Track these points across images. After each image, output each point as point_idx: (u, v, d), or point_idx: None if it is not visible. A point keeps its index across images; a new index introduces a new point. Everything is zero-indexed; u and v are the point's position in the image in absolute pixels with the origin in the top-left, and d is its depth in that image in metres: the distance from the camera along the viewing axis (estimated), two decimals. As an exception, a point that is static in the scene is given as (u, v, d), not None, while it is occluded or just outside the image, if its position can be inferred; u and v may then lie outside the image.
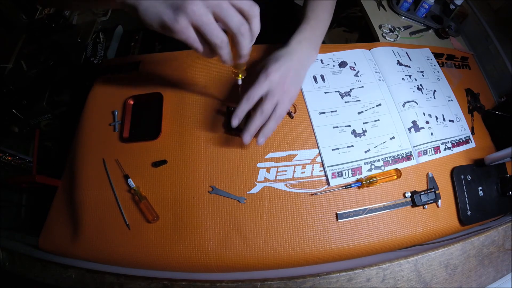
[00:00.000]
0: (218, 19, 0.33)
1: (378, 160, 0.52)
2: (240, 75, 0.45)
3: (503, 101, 0.67)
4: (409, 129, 0.56)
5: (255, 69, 0.41)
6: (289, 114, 0.55)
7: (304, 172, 0.51)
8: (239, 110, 0.44)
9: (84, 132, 0.56)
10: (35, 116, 0.80)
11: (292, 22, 0.81)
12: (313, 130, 0.54)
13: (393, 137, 0.54)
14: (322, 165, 0.51)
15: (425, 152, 0.54)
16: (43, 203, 0.56)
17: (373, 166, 0.52)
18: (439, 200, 0.51)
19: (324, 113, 0.55)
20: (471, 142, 0.59)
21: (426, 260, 0.41)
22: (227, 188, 0.50)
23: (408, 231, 0.49)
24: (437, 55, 0.68)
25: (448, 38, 0.74)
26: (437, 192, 0.51)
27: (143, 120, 0.56)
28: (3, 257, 0.43)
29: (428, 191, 0.51)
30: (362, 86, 0.58)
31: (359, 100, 0.57)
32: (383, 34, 0.71)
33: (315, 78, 0.58)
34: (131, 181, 0.50)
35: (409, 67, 0.63)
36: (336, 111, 0.55)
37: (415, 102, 0.58)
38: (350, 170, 0.51)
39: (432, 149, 0.55)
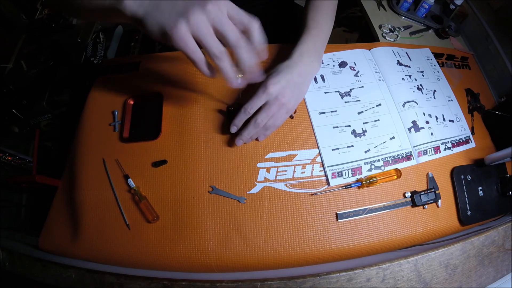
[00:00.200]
0: (217, 33, 0.34)
1: (378, 160, 0.52)
2: (240, 75, 0.46)
3: (503, 101, 0.67)
4: (409, 129, 0.56)
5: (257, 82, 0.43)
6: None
7: (304, 172, 0.51)
8: (236, 120, 0.47)
9: (84, 132, 0.56)
10: (35, 116, 0.80)
11: (292, 22, 0.81)
12: (313, 130, 0.54)
13: (393, 137, 0.54)
14: (322, 165, 0.51)
15: (425, 152, 0.54)
16: (43, 203, 0.56)
17: (373, 166, 0.52)
18: (439, 200, 0.51)
19: (324, 113, 0.55)
20: (471, 142, 0.59)
21: (426, 260, 0.41)
22: (227, 188, 0.50)
23: (408, 231, 0.49)
24: (437, 55, 0.68)
25: (448, 38, 0.74)
26: (437, 192, 0.51)
27: (143, 120, 0.56)
28: (3, 257, 0.43)
29: (428, 191, 0.51)
30: (362, 86, 0.58)
31: (359, 100, 0.57)
32: (383, 34, 0.71)
33: (315, 78, 0.58)
34: (131, 181, 0.50)
35: (409, 67, 0.63)
36: (336, 111, 0.55)
37: (415, 102, 0.58)
38: (350, 170, 0.51)
39: (432, 149, 0.55)
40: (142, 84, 0.59)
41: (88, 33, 0.91)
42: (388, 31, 0.72)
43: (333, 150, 0.52)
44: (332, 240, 0.47)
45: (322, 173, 0.51)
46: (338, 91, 0.57)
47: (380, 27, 0.73)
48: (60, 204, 0.53)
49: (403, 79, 0.61)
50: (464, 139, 0.58)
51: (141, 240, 0.48)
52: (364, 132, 0.54)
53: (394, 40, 0.71)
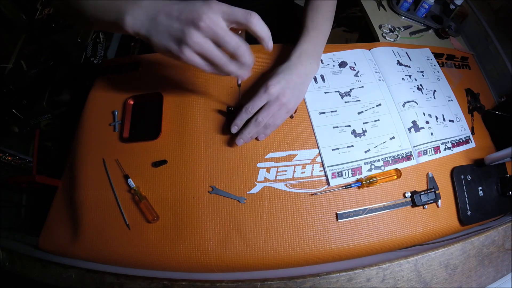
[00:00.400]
0: (216, 44, 0.36)
1: (378, 160, 0.52)
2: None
3: (503, 101, 0.67)
4: (409, 129, 0.56)
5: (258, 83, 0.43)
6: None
7: (304, 172, 0.51)
8: (237, 120, 0.48)
9: (84, 132, 0.56)
10: (35, 116, 0.80)
11: (292, 22, 0.81)
12: (313, 130, 0.54)
13: (393, 137, 0.54)
14: (322, 165, 0.51)
15: (425, 152, 0.54)
16: (43, 203, 0.56)
17: (373, 166, 0.52)
18: (439, 200, 0.51)
19: (324, 113, 0.55)
20: (471, 142, 0.59)
21: (426, 260, 0.41)
22: (227, 188, 0.50)
23: (408, 231, 0.49)
24: (437, 55, 0.68)
25: (448, 38, 0.74)
26: (437, 192, 0.51)
27: (143, 120, 0.56)
28: (3, 257, 0.43)
29: (428, 191, 0.51)
30: (362, 86, 0.58)
31: (359, 100, 0.57)
32: (383, 34, 0.71)
33: (315, 78, 0.58)
34: (131, 181, 0.50)
35: (409, 67, 0.63)
36: (336, 111, 0.55)
37: (415, 102, 0.58)
38: (350, 170, 0.51)
39: (432, 149, 0.55)
40: (142, 84, 0.59)
41: (88, 33, 0.91)
42: (388, 31, 0.72)
43: (333, 150, 0.52)
44: (332, 240, 0.47)
45: (322, 173, 0.51)
46: (338, 91, 0.57)
47: (380, 27, 0.73)
48: (60, 204, 0.53)
49: (403, 79, 0.61)
50: (464, 139, 0.58)
51: (141, 240, 0.48)
52: (364, 132, 0.54)
53: (394, 40, 0.71)
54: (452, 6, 0.75)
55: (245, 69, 0.39)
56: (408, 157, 0.54)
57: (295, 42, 0.54)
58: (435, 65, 0.66)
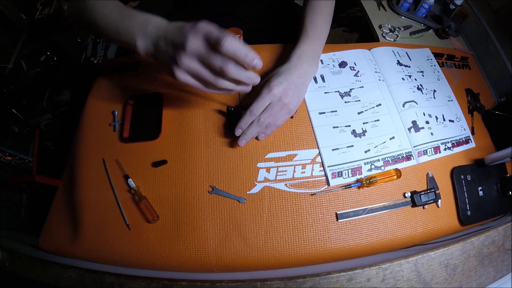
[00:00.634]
0: (205, 64, 0.38)
1: (378, 160, 0.52)
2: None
3: (503, 101, 0.67)
4: (409, 129, 0.56)
5: (258, 84, 0.44)
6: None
7: (304, 172, 0.51)
8: (242, 122, 0.48)
9: (84, 132, 0.56)
10: (35, 116, 0.80)
11: (292, 22, 0.81)
12: (313, 130, 0.54)
13: (393, 137, 0.54)
14: (322, 165, 0.51)
15: (425, 152, 0.54)
16: (43, 203, 0.56)
17: (373, 166, 0.52)
18: (439, 200, 0.51)
19: (324, 113, 0.55)
20: (471, 142, 0.59)
21: (426, 260, 0.41)
22: (227, 188, 0.50)
23: (408, 231, 0.49)
24: (437, 55, 0.68)
25: (448, 38, 0.74)
26: (437, 192, 0.51)
27: (143, 120, 0.56)
28: (3, 257, 0.43)
29: (428, 191, 0.51)
30: (362, 86, 0.58)
31: (359, 100, 0.57)
32: (383, 34, 0.71)
33: (315, 78, 0.58)
34: (131, 181, 0.50)
35: (409, 67, 0.63)
36: (336, 111, 0.55)
37: (415, 102, 0.58)
38: (350, 170, 0.51)
39: (432, 149, 0.55)
40: (142, 84, 0.59)
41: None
42: (388, 31, 0.72)
43: (333, 150, 0.52)
44: (332, 240, 0.47)
45: (322, 173, 0.51)
46: (338, 91, 0.57)
47: (380, 27, 0.73)
48: (60, 204, 0.53)
49: (403, 79, 0.61)
50: (464, 139, 0.58)
51: (141, 240, 0.48)
52: (364, 132, 0.54)
53: (394, 40, 0.71)
54: (452, 6, 0.75)
55: (241, 84, 0.41)
56: (408, 157, 0.54)
57: (294, 43, 0.54)
58: (435, 65, 0.66)
